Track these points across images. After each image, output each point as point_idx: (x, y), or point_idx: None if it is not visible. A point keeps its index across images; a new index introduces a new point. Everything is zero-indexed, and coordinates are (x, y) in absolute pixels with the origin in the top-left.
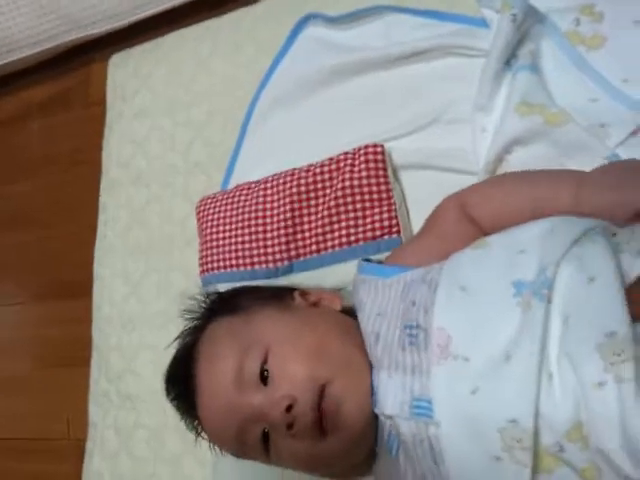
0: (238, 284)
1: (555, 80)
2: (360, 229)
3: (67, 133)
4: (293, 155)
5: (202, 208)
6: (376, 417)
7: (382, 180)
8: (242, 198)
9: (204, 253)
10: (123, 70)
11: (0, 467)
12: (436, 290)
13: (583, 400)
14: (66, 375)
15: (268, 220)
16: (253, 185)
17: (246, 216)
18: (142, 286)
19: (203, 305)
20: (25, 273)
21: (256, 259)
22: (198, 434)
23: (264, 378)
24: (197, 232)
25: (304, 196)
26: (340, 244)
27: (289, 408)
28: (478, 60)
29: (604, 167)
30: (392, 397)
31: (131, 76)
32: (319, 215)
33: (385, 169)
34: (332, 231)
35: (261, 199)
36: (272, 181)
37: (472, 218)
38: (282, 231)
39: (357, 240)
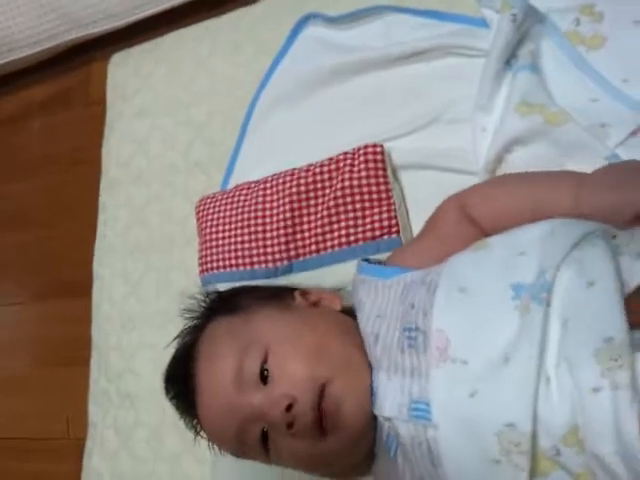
0: (238, 284)
1: (555, 80)
2: (360, 229)
3: (67, 132)
4: (293, 155)
5: (202, 208)
6: (375, 417)
7: (382, 180)
8: (242, 198)
9: (204, 253)
10: (123, 70)
11: (0, 467)
12: (435, 292)
13: (579, 404)
14: (66, 375)
15: (268, 220)
16: (253, 185)
17: (246, 216)
18: (142, 285)
19: (203, 304)
20: (25, 273)
21: (256, 259)
22: (197, 433)
23: (264, 378)
24: (197, 232)
25: (304, 196)
26: (340, 244)
27: (289, 407)
28: (478, 60)
29: (604, 168)
30: (391, 399)
31: (131, 75)
32: (319, 215)
33: (385, 169)
34: (332, 231)
35: (261, 199)
36: (272, 181)
37: (472, 219)
38: (282, 231)
39: (357, 240)
